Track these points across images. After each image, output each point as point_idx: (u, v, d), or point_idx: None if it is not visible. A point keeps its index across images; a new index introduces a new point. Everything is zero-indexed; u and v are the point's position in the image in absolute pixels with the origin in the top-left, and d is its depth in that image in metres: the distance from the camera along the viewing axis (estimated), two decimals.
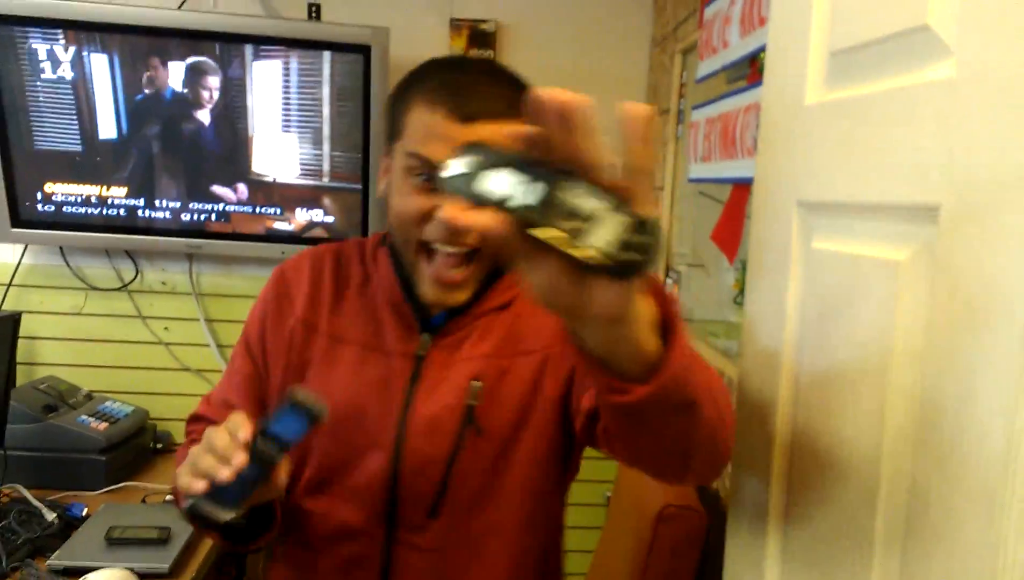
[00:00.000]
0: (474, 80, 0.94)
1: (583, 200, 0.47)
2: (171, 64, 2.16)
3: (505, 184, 0.48)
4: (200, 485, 0.82)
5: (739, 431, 1.02)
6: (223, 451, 0.82)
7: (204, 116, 2.20)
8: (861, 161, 0.74)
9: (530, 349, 1.04)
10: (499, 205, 0.48)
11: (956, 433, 0.59)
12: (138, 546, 1.55)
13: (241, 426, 0.84)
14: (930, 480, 0.62)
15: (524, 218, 0.48)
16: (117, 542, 1.56)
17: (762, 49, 1.41)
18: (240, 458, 0.82)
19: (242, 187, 2.25)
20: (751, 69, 1.50)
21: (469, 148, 0.50)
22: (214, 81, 2.18)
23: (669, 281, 2.06)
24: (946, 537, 0.60)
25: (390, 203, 1.01)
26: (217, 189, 2.25)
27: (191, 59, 2.17)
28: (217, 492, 0.83)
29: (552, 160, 0.48)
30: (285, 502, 1.07)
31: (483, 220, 0.47)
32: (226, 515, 0.83)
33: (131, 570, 1.46)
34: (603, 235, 0.47)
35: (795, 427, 0.85)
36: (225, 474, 0.81)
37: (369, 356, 1.05)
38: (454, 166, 0.50)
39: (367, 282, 1.10)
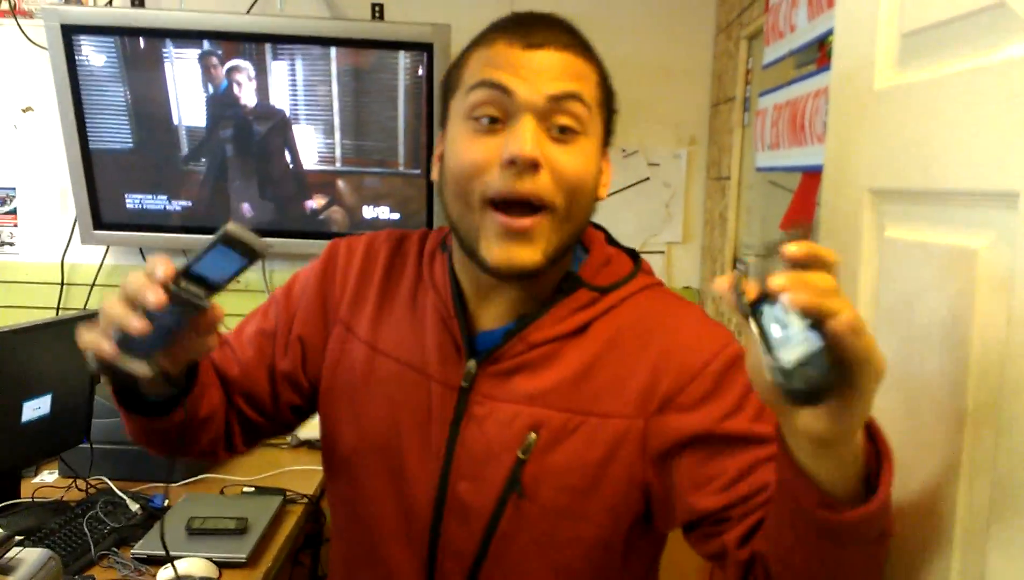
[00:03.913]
0: (533, 17, 0.88)
1: (796, 321, 0.54)
2: (241, 67, 2.22)
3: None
4: (106, 344, 0.71)
5: None
6: (136, 293, 0.70)
7: (271, 116, 2.26)
8: (935, 146, 0.71)
9: (608, 412, 0.86)
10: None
11: None
12: (217, 536, 1.60)
13: (160, 264, 0.71)
14: (1013, 474, 0.60)
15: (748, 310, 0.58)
16: (197, 532, 1.61)
17: (831, 32, 1.37)
18: (154, 298, 0.69)
19: (314, 185, 2.30)
20: (820, 53, 1.46)
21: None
22: (282, 83, 2.23)
23: (737, 271, 2.02)
24: None
25: (448, 166, 0.87)
26: (286, 188, 2.30)
27: (256, 62, 2.22)
28: (128, 342, 0.71)
29: None
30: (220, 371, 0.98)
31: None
32: (137, 367, 0.71)
33: (210, 560, 1.51)
34: (799, 356, 0.54)
35: None
36: (135, 325, 0.69)
37: (408, 375, 0.93)
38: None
39: (418, 287, 0.97)
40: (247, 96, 2.24)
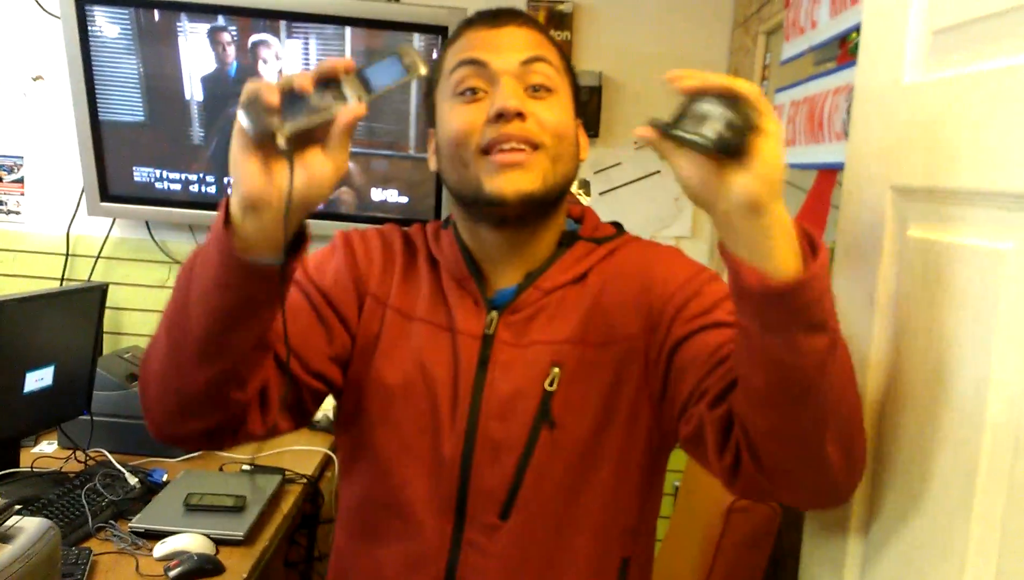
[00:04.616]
0: (494, 10, 1.00)
1: (705, 108, 0.67)
2: (255, 43, 2.21)
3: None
4: (272, 94, 0.70)
5: None
6: (303, 77, 0.72)
7: None
8: (963, 144, 0.70)
9: (613, 339, 0.96)
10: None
11: None
12: (215, 513, 1.60)
13: (337, 62, 0.74)
14: None
15: (663, 126, 0.70)
16: (195, 508, 1.60)
17: (854, 29, 1.35)
18: (321, 70, 0.73)
19: None
20: (841, 50, 1.45)
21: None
22: (296, 61, 2.22)
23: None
24: None
25: (440, 140, 0.98)
26: None
27: (275, 38, 2.20)
28: (280, 105, 0.72)
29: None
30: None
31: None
32: (278, 126, 0.71)
33: (207, 536, 1.51)
34: (712, 126, 0.66)
35: (883, 423, 0.82)
36: (301, 82, 0.71)
37: (439, 334, 1.00)
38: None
39: (433, 263, 1.05)
40: (262, 72, 2.22)
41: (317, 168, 0.74)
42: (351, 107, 0.74)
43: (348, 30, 2.19)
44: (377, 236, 1.07)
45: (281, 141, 0.72)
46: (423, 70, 0.77)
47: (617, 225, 1.10)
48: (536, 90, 0.94)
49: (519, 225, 0.97)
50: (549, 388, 0.94)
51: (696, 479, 1.65)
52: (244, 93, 0.71)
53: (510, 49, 0.94)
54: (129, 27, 2.18)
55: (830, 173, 1.44)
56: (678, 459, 2.17)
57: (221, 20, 2.18)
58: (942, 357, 0.71)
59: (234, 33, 2.20)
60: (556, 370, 0.95)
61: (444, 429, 0.97)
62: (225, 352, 0.81)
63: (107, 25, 2.18)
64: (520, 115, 0.91)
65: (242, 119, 0.72)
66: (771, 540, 1.37)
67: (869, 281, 0.84)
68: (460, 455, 0.95)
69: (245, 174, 0.72)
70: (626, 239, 1.05)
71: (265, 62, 2.22)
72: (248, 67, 2.23)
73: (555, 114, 0.94)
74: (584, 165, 2.51)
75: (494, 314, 0.98)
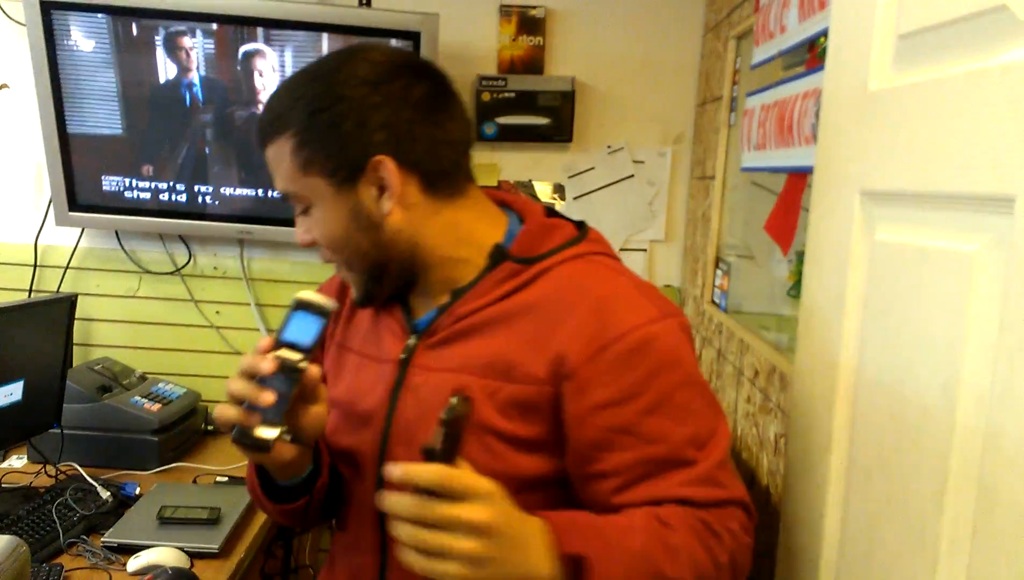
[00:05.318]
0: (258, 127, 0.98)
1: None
2: (223, 50, 2.19)
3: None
4: (233, 411, 0.82)
5: (792, 429, 0.99)
6: (251, 367, 0.82)
7: (255, 102, 2.22)
8: (930, 148, 0.71)
9: (522, 378, 0.89)
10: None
11: None
12: (189, 526, 1.58)
13: (260, 343, 0.84)
14: (1000, 481, 0.59)
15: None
16: (169, 521, 1.58)
17: (822, 34, 1.36)
18: (267, 365, 0.81)
19: None
20: (810, 54, 1.46)
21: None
22: (265, 67, 2.20)
23: (719, 272, 2.02)
24: (1016, 538, 0.57)
25: None
26: (269, 175, 2.27)
27: (243, 45, 2.19)
28: (257, 414, 0.83)
29: None
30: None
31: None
32: (270, 433, 0.83)
33: (182, 549, 1.49)
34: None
35: (855, 426, 0.83)
36: (263, 396, 0.81)
37: (366, 363, 1.02)
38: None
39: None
40: (228, 80, 2.20)
41: (312, 416, 0.89)
42: (309, 375, 0.84)
43: (325, 37, 2.18)
44: (333, 283, 1.13)
45: (287, 439, 0.87)
46: (332, 305, 0.85)
47: (580, 225, 1.01)
48: (304, 212, 0.95)
49: (399, 295, 1.01)
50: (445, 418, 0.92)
51: None
52: (223, 425, 0.84)
53: (272, 178, 0.97)
54: (96, 34, 2.15)
55: (800, 177, 1.45)
56: None
57: (192, 27, 2.16)
58: (911, 360, 0.72)
59: (206, 39, 2.18)
60: (454, 400, 0.90)
61: (365, 453, 1.00)
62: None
63: (73, 31, 2.15)
64: (308, 247, 0.97)
65: (246, 453, 0.87)
66: None
67: (838, 284, 0.85)
68: (375, 479, 0.97)
69: (279, 470, 0.95)
70: (562, 258, 0.94)
71: (261, 75, 2.20)
72: (238, 75, 2.21)
73: (318, 230, 0.94)
74: (557, 169, 2.50)
75: (412, 339, 0.98)
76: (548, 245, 0.95)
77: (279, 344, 0.83)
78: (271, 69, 2.20)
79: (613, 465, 0.85)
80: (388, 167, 0.90)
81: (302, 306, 0.84)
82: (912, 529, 0.70)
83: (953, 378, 0.65)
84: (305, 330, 0.84)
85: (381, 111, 0.89)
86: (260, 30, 2.17)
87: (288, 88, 0.93)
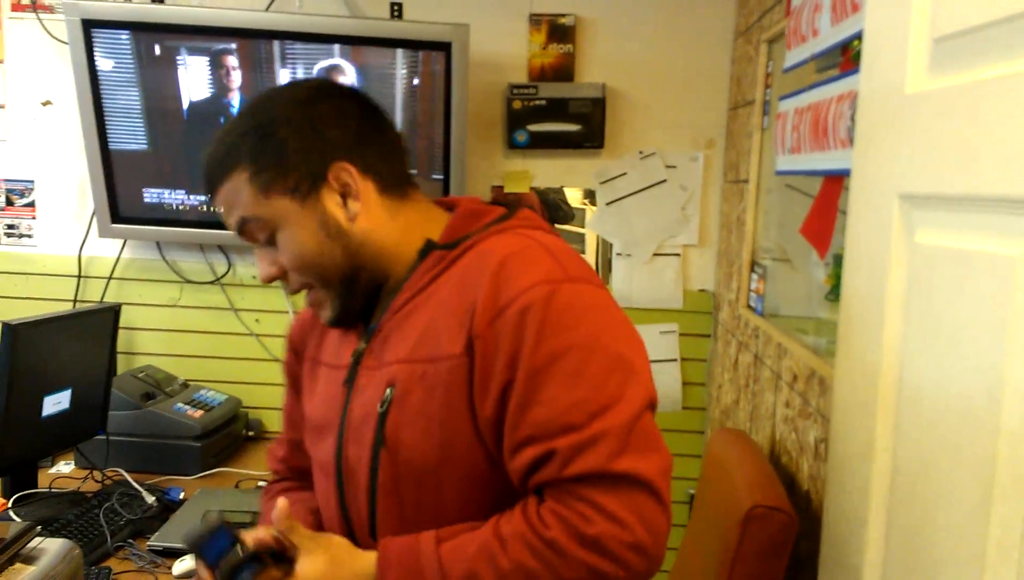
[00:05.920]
0: (205, 170, 0.98)
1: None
2: (259, 64, 2.23)
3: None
4: None
5: (833, 434, 0.99)
6: None
7: None
8: (970, 151, 0.71)
9: (442, 355, 0.90)
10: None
11: None
12: None
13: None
14: None
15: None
16: None
17: (855, 37, 1.36)
18: None
19: None
20: (843, 57, 1.46)
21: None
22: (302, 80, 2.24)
23: (755, 276, 2.02)
24: None
25: None
26: None
27: (278, 58, 2.22)
28: None
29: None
30: None
31: None
32: None
33: None
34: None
35: (898, 431, 0.83)
36: None
37: (331, 373, 1.05)
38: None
39: None
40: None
41: None
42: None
43: (356, 49, 2.21)
44: (311, 311, 1.13)
45: None
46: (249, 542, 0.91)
47: (509, 204, 1.02)
48: (268, 242, 0.95)
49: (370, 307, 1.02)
50: (380, 409, 0.93)
51: (712, 487, 1.65)
52: None
53: (227, 219, 0.96)
54: (131, 50, 2.20)
55: (836, 179, 1.44)
56: (692, 467, 2.17)
57: (225, 43, 2.20)
58: (953, 364, 0.72)
59: (236, 54, 2.22)
60: (388, 391, 0.93)
61: (330, 458, 1.02)
62: None
63: (111, 48, 2.20)
64: (271, 281, 0.98)
65: None
66: (789, 548, 1.37)
67: (878, 287, 0.85)
68: (335, 480, 1.00)
69: None
70: (478, 239, 0.95)
71: (241, 80, 2.24)
72: (241, 83, 2.25)
73: (284, 256, 0.95)
74: (589, 175, 2.51)
75: (362, 343, 1.00)
76: (474, 227, 0.97)
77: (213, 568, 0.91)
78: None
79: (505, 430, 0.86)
80: (349, 170, 0.93)
81: (221, 528, 0.92)
82: (958, 536, 0.70)
83: (997, 382, 0.65)
84: (216, 548, 0.91)
85: (327, 121, 0.93)
86: (293, 44, 2.21)
87: (226, 132, 0.95)
